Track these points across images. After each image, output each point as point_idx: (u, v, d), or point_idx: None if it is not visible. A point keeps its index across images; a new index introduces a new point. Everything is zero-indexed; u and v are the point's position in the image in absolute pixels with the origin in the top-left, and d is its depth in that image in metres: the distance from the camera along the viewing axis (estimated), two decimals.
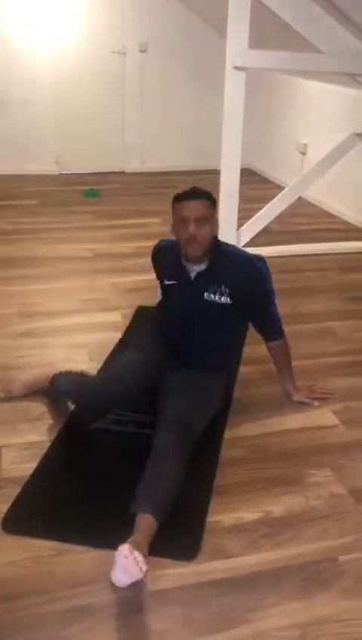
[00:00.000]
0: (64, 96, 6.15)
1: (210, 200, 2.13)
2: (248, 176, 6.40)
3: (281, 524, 1.84)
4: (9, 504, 1.85)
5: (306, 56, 3.72)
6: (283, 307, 3.34)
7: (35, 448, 2.12)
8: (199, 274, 2.20)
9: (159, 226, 4.78)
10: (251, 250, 4.10)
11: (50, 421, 2.27)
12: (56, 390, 2.23)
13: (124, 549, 1.53)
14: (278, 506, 1.91)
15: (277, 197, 4.39)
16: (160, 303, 2.42)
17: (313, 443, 2.23)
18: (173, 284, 2.27)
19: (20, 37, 5.87)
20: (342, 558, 1.73)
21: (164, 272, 2.33)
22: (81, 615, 1.53)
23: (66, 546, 1.72)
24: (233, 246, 2.31)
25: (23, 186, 5.83)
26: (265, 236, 4.39)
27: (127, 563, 1.51)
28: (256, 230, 4.23)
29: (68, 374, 2.30)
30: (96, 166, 6.45)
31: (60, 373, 2.30)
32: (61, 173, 6.39)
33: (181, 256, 2.20)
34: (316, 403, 2.43)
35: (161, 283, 2.36)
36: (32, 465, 2.03)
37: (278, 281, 3.77)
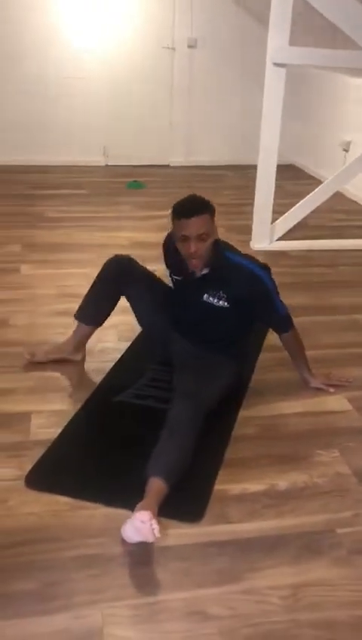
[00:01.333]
0: (113, 89, 6.34)
1: (210, 211, 2.18)
2: (291, 172, 6.48)
3: (284, 496, 1.95)
4: (33, 463, 2.02)
5: (347, 54, 3.76)
6: (309, 299, 3.46)
7: (62, 416, 2.28)
8: (203, 275, 2.30)
9: None
10: (284, 244, 4.23)
11: (78, 393, 2.43)
12: None
13: (144, 515, 1.64)
14: (283, 481, 2.01)
15: (313, 192, 4.44)
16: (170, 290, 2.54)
17: (324, 426, 2.32)
18: (178, 279, 2.40)
19: (72, 32, 6.07)
20: (339, 530, 1.82)
21: (172, 265, 2.41)
22: (90, 562, 1.67)
23: (81, 503, 1.87)
24: (236, 253, 2.34)
25: (71, 177, 6.04)
26: (301, 230, 4.46)
27: (143, 528, 1.63)
28: (291, 224, 4.30)
29: None
30: (141, 159, 6.61)
31: None
32: (107, 165, 6.59)
33: None
34: (332, 390, 2.51)
35: (169, 274, 2.47)
36: (58, 430, 2.19)
37: (309, 274, 3.91)
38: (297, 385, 2.54)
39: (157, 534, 1.64)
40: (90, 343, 2.73)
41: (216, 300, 2.29)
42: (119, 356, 2.74)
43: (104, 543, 1.74)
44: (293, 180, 6.06)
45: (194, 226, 2.13)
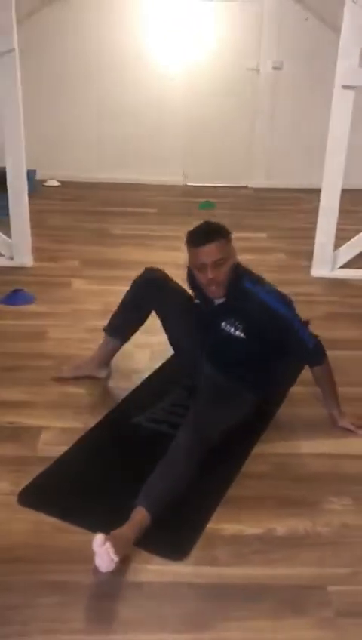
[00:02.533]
0: (196, 109, 6.37)
1: (226, 236, 2.13)
2: None
3: (279, 543, 1.82)
4: (29, 480, 2.01)
5: None
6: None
7: (72, 434, 2.26)
8: (221, 304, 2.24)
9: (263, 241, 4.82)
10: (347, 272, 4.02)
11: (94, 412, 2.40)
12: None
13: (98, 538, 1.61)
14: (282, 526, 1.88)
15: None
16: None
17: (342, 470, 2.15)
18: (199, 304, 2.35)
19: (155, 51, 6.18)
20: (330, 588, 1.67)
21: (195, 291, 2.36)
22: (58, 589, 1.63)
23: (66, 526, 1.83)
24: (256, 281, 2.23)
25: (146, 195, 6.12)
26: None
27: (100, 552, 1.60)
28: (356, 252, 4.09)
29: None
30: (220, 179, 6.59)
31: None
32: (186, 185, 6.62)
33: None
34: (361, 432, 2.34)
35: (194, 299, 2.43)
36: (64, 448, 2.17)
37: None
38: (324, 423, 2.38)
39: (115, 557, 1.59)
40: (121, 361, 2.72)
41: (232, 330, 2.21)
42: (147, 376, 2.70)
43: (77, 571, 1.68)
44: None
45: (210, 252, 2.07)
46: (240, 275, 2.20)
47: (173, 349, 2.55)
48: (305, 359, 2.34)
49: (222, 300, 2.22)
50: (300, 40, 6.19)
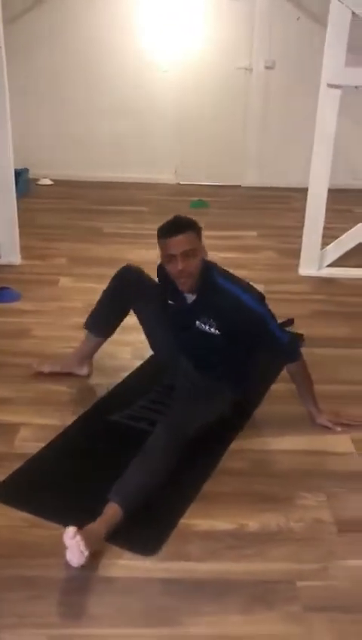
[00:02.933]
0: (188, 107, 6.35)
1: (195, 229, 2.13)
2: None
3: (251, 539, 1.83)
4: (6, 475, 2.02)
5: None
6: (346, 330, 3.27)
7: (51, 431, 2.27)
8: (193, 301, 2.25)
9: (253, 239, 4.82)
10: (334, 271, 4.03)
11: (73, 409, 2.42)
12: None
13: (69, 531, 1.63)
14: (255, 522, 1.89)
15: None
16: None
17: (318, 467, 2.16)
18: (172, 304, 2.34)
19: (147, 49, 6.16)
20: (299, 583, 1.68)
21: (167, 288, 2.34)
22: (28, 584, 1.64)
23: (41, 521, 1.84)
24: (227, 278, 2.23)
25: (138, 194, 6.11)
26: (357, 257, 4.23)
27: (71, 544, 1.62)
28: (343, 250, 4.10)
29: None
30: (213, 178, 6.59)
31: None
32: (179, 184, 6.63)
33: None
34: (338, 429, 2.34)
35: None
36: (42, 445, 2.19)
37: (355, 304, 3.70)
38: (303, 420, 2.39)
39: (85, 550, 1.61)
40: (102, 358, 2.73)
41: (207, 327, 2.22)
42: (127, 374, 2.71)
43: (49, 565, 1.70)
44: None
45: (178, 243, 2.08)
46: (210, 269, 2.20)
47: (151, 347, 2.56)
48: (279, 355, 2.33)
49: (194, 298, 2.23)
50: (292, 39, 6.19)
